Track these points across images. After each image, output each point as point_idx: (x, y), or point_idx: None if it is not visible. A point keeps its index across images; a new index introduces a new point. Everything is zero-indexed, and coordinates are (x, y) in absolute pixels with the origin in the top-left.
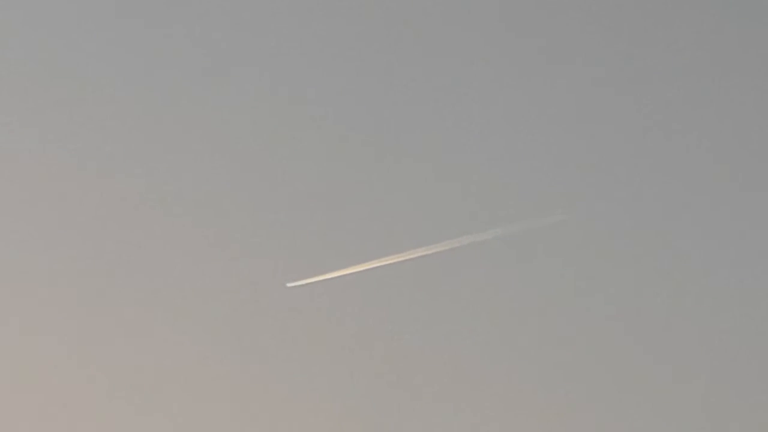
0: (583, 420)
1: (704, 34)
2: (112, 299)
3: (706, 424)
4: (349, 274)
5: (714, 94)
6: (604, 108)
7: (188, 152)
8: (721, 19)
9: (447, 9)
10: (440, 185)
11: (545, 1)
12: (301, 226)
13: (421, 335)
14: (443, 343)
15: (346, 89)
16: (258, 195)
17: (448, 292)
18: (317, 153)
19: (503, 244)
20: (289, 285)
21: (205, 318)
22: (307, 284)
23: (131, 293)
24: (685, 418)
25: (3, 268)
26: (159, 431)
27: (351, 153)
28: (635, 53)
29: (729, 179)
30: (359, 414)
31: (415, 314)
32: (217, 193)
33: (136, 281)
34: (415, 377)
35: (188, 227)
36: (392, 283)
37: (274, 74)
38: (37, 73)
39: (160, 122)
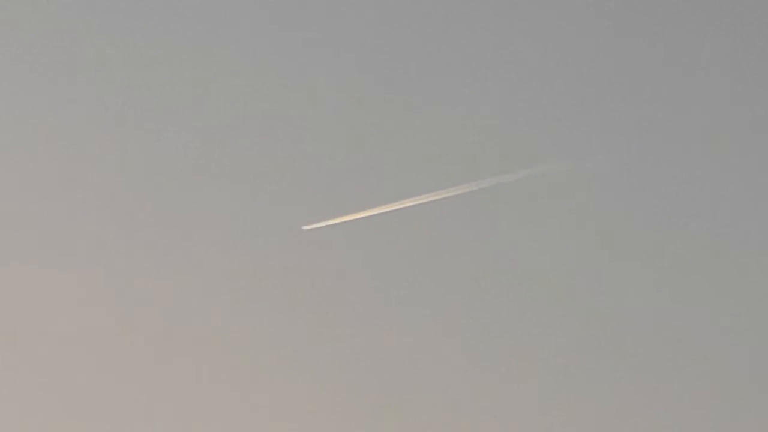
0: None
1: None
2: (129, 247)
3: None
4: (363, 218)
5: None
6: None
7: (203, 98)
8: None
9: None
10: (448, 133)
11: None
12: (314, 169)
13: (439, 279)
14: (456, 289)
15: (349, 40)
16: (269, 140)
17: (465, 237)
18: (327, 101)
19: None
20: (305, 228)
21: (220, 265)
22: (323, 227)
23: (148, 238)
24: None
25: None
26: (174, 380)
27: (358, 103)
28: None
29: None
30: (372, 359)
31: (430, 258)
32: (229, 140)
33: (153, 228)
34: (428, 321)
35: (202, 175)
36: (405, 227)
37: (280, 27)
38: (35, 71)
39: (171, 66)
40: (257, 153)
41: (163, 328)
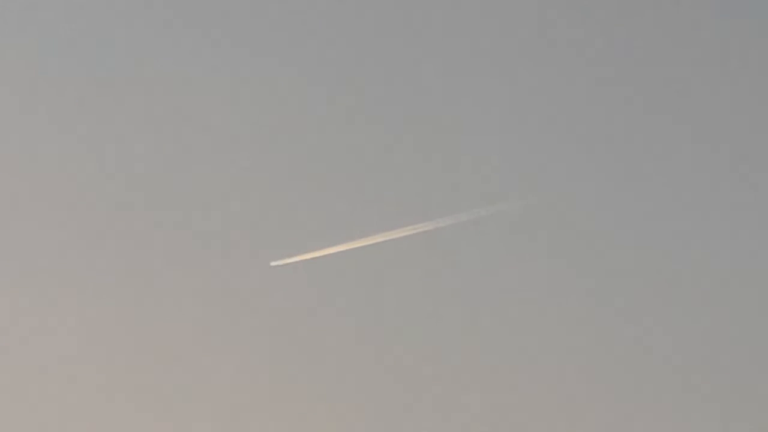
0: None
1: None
2: (99, 284)
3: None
4: (332, 254)
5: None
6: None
7: (173, 138)
8: None
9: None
10: (426, 166)
11: None
12: (285, 206)
13: (406, 314)
14: (428, 321)
15: (325, 70)
16: (244, 178)
17: (434, 270)
18: (302, 135)
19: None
20: (273, 264)
21: (192, 300)
22: (291, 263)
23: (119, 278)
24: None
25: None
26: (146, 410)
27: (333, 135)
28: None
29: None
30: (345, 390)
31: (400, 293)
32: (202, 177)
33: (122, 267)
34: (401, 355)
35: (172, 212)
36: (378, 261)
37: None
38: (34, 73)
39: (146, 107)
40: (230, 184)
41: (128, 364)
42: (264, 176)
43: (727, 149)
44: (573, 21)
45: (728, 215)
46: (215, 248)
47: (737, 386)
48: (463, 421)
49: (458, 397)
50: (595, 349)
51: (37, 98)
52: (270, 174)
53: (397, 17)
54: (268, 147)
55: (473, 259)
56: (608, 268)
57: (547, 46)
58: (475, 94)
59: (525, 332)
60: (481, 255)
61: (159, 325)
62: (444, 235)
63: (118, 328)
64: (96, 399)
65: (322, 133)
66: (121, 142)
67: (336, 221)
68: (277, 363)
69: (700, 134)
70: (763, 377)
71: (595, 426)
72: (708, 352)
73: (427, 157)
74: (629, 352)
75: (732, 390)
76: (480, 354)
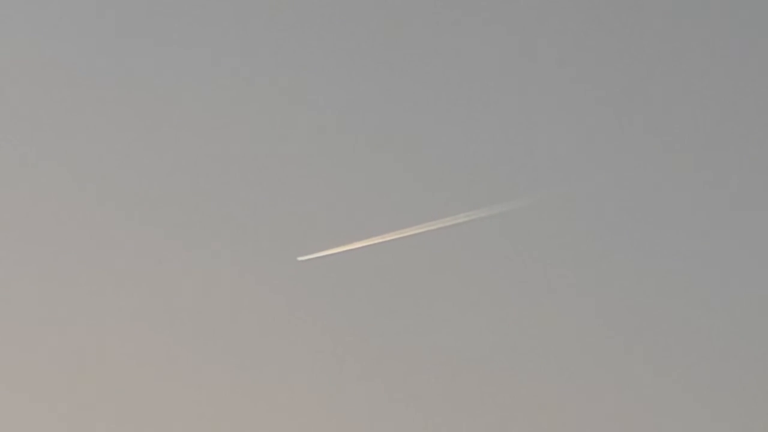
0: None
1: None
2: (117, 278)
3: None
4: (359, 248)
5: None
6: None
7: (196, 132)
8: None
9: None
10: (431, 165)
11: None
12: (309, 202)
13: (429, 309)
14: (446, 318)
15: (342, 78)
16: (265, 172)
17: (452, 268)
18: (313, 134)
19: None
20: (300, 259)
21: (213, 299)
22: (318, 258)
23: (140, 271)
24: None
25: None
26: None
27: (356, 134)
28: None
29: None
30: (365, 385)
31: (420, 289)
32: (225, 172)
33: (145, 260)
34: (406, 354)
35: (197, 208)
36: (399, 258)
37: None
38: (33, 74)
39: (163, 103)
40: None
41: (151, 356)
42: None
43: (727, 148)
44: (571, 17)
45: (728, 213)
46: (239, 244)
47: (737, 385)
48: (464, 420)
49: (462, 395)
50: (595, 348)
51: (38, 98)
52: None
53: (397, 15)
54: (290, 145)
55: (487, 257)
56: (610, 269)
57: (547, 45)
58: (477, 93)
59: (527, 329)
60: (502, 251)
61: (181, 324)
62: (457, 232)
63: (134, 328)
64: (96, 398)
65: (350, 129)
66: (130, 139)
67: (344, 220)
68: (274, 362)
69: (699, 133)
70: (762, 377)
71: (595, 426)
72: (709, 350)
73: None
74: (629, 350)
75: (732, 390)
76: (488, 354)
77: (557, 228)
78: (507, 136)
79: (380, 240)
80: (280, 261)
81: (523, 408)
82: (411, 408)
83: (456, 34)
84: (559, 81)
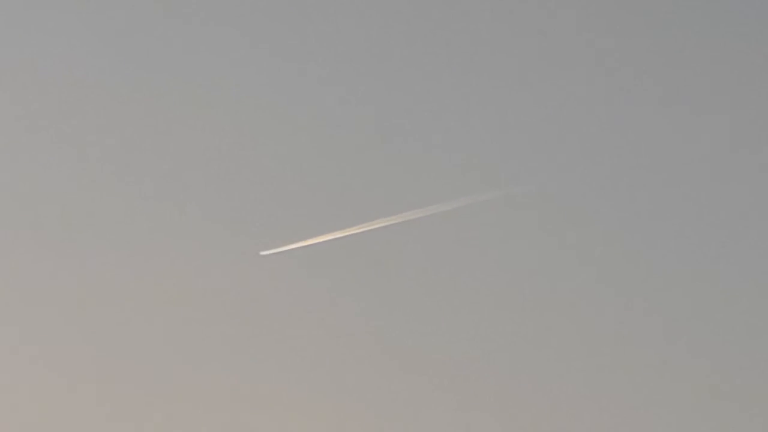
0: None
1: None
2: (89, 275)
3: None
4: (321, 243)
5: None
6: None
7: (164, 128)
8: None
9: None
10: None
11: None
12: (274, 196)
13: (398, 304)
14: (415, 310)
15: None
16: (231, 167)
17: (418, 260)
18: (289, 124)
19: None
20: (262, 253)
21: (182, 292)
22: (281, 252)
23: (110, 272)
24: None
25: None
26: (135, 404)
27: (324, 122)
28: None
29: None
30: (334, 380)
31: (386, 282)
32: (189, 165)
33: (113, 259)
34: (393, 347)
35: (164, 201)
36: (364, 251)
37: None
38: (33, 75)
39: (135, 98)
40: (219, 176)
41: (119, 355)
42: (247, 167)
43: (725, 141)
44: (570, 16)
45: (729, 212)
46: (202, 239)
47: (738, 385)
48: (463, 417)
49: (456, 389)
50: (594, 346)
51: (37, 98)
52: (255, 166)
53: (398, 12)
54: (254, 138)
55: (464, 248)
56: (607, 259)
57: (547, 45)
58: (471, 86)
59: (521, 323)
60: (481, 241)
61: (146, 319)
62: (432, 223)
63: (107, 323)
64: (95, 399)
65: (312, 121)
66: (106, 135)
67: (325, 210)
68: (271, 358)
69: (699, 130)
70: (763, 377)
71: (594, 425)
72: (711, 348)
73: (421, 145)
74: (629, 349)
75: (732, 390)
76: (476, 347)
77: (553, 221)
78: (489, 130)
79: (342, 234)
80: (243, 255)
81: (512, 402)
82: (392, 403)
83: (446, 30)
84: (555, 78)
